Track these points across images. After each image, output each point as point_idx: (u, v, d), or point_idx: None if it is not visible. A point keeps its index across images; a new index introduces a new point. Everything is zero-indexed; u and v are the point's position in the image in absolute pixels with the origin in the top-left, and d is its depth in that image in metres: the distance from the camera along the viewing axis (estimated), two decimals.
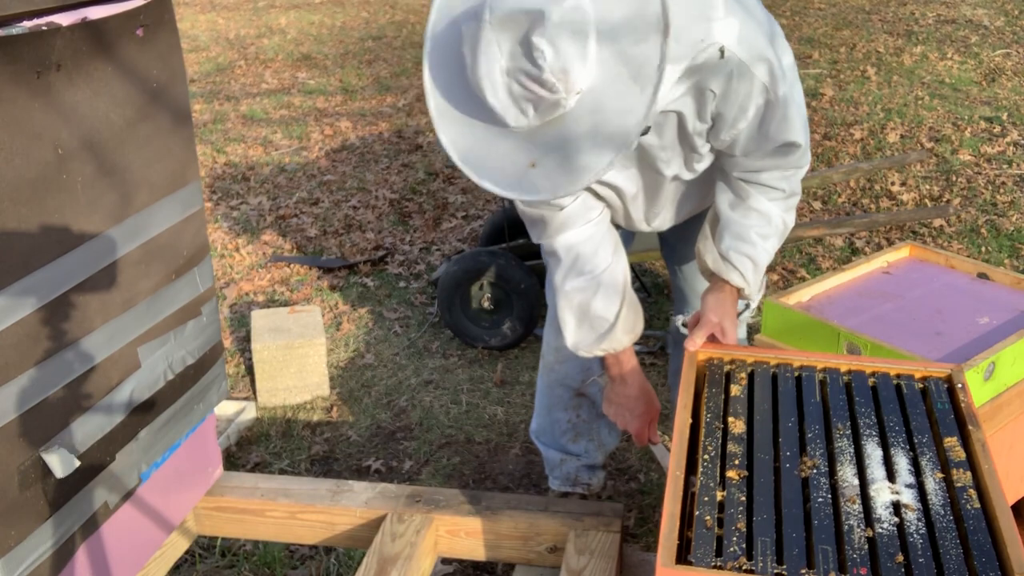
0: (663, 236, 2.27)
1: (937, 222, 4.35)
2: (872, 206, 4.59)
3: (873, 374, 1.62)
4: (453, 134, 1.42)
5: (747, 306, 2.22)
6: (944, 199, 4.67)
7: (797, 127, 1.69)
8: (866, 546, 1.26)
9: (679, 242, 2.22)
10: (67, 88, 1.47)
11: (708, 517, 1.32)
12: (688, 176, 1.82)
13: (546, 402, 2.32)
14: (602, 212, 1.86)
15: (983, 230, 4.32)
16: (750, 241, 1.79)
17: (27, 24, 1.39)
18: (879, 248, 4.10)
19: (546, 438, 2.36)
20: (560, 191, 1.38)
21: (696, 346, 1.71)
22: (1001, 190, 4.77)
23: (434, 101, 1.42)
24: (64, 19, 1.45)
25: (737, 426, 1.51)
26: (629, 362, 1.96)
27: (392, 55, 8.13)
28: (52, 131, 1.45)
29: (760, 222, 1.79)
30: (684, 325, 2.13)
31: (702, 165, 1.81)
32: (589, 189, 1.82)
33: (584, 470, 2.35)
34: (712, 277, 1.86)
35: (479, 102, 1.35)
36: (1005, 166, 5.07)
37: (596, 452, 2.34)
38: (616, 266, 1.85)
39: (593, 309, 1.83)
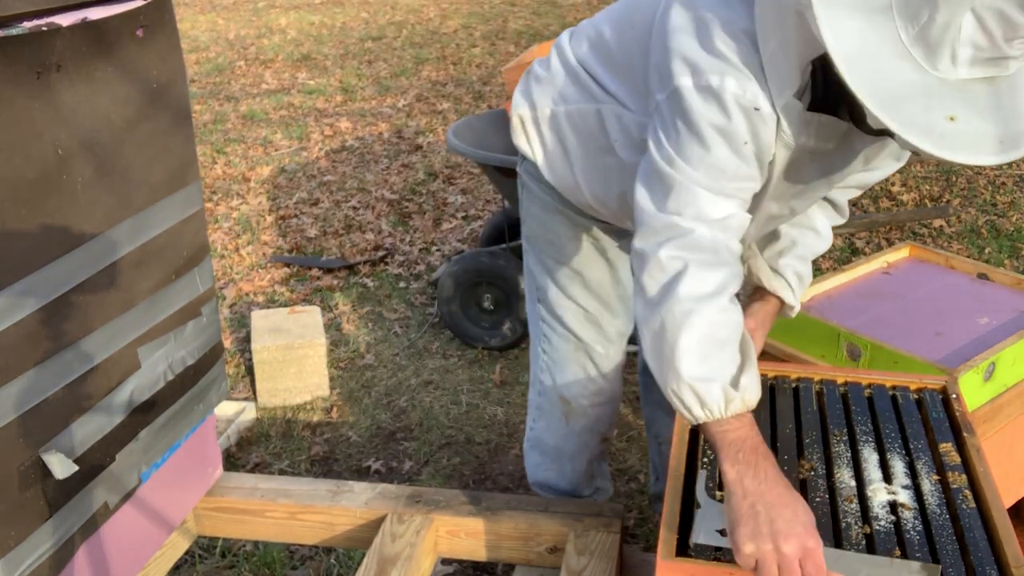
0: None
1: (937, 222, 4.35)
2: (872, 206, 4.59)
3: (869, 386, 1.64)
4: (843, 33, 1.16)
5: None
6: (944, 199, 4.67)
7: None
8: (864, 542, 1.27)
9: None
10: (67, 89, 1.48)
11: None
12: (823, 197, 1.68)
13: (569, 450, 2.04)
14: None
15: (983, 230, 4.32)
16: (805, 260, 1.75)
17: (27, 25, 1.39)
18: (879, 248, 4.10)
19: (556, 487, 2.11)
20: (982, 159, 1.16)
21: None
22: (1001, 190, 4.77)
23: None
24: (64, 20, 1.45)
25: None
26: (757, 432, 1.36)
27: (392, 56, 8.14)
28: (52, 131, 1.45)
29: (816, 242, 1.77)
30: None
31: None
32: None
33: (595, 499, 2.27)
34: (756, 291, 1.77)
35: (895, 21, 1.15)
36: (1005, 166, 5.07)
37: (608, 485, 2.20)
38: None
39: (744, 334, 1.40)
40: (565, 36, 1.80)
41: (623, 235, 1.87)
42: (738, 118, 1.34)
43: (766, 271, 1.75)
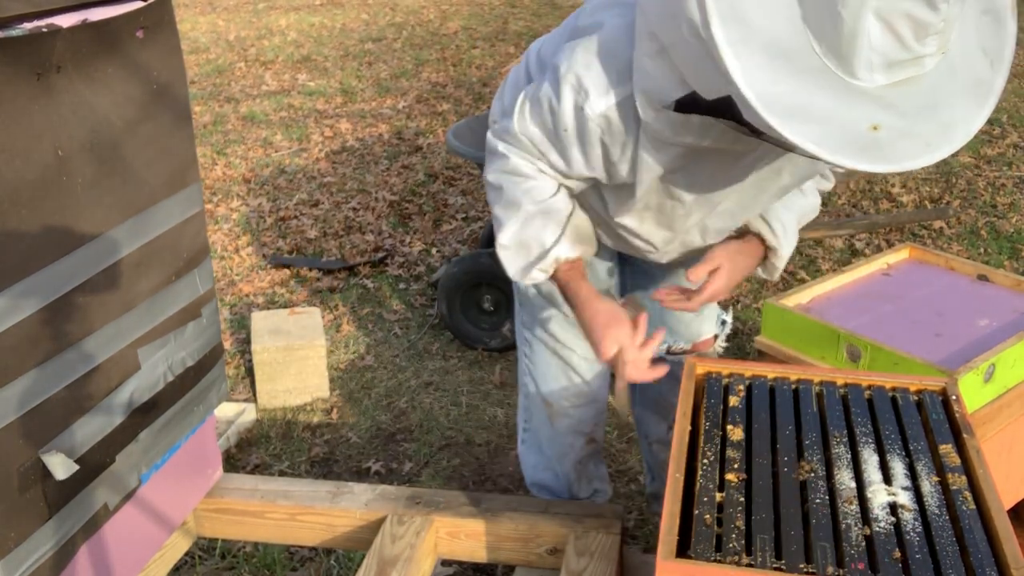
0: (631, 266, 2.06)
1: (937, 224, 4.35)
2: (872, 208, 4.59)
3: (869, 387, 1.64)
4: (754, 75, 1.13)
5: (723, 323, 2.20)
6: (944, 201, 4.67)
7: None
8: (864, 543, 1.27)
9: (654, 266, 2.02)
10: (67, 90, 1.48)
11: (708, 516, 1.33)
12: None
13: (555, 452, 2.08)
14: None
15: (983, 232, 4.32)
16: (789, 209, 1.73)
17: (27, 26, 1.39)
18: (879, 250, 4.10)
19: (553, 488, 2.15)
20: (908, 164, 1.14)
21: (697, 277, 1.65)
22: (1001, 192, 4.77)
23: (723, 29, 1.14)
24: (64, 21, 1.45)
25: (735, 433, 1.52)
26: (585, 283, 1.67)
27: (392, 57, 8.14)
28: (52, 133, 1.45)
29: (800, 198, 1.74)
30: (669, 352, 2.09)
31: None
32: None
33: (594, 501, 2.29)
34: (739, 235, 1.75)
35: (806, 40, 1.13)
36: (1005, 168, 5.07)
37: (606, 487, 2.22)
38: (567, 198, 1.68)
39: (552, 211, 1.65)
40: (536, 43, 1.82)
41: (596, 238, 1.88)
42: (566, 108, 1.49)
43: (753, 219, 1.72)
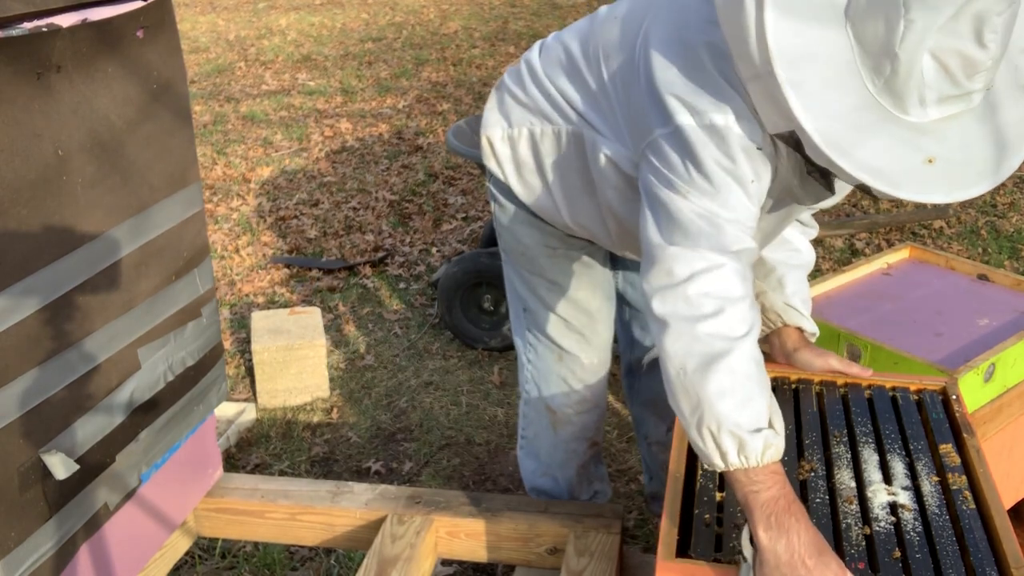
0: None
1: (937, 223, 4.35)
2: (872, 207, 4.59)
3: (869, 387, 1.64)
4: (815, 114, 1.18)
5: None
6: None
7: None
8: (864, 543, 1.27)
9: None
10: (67, 89, 1.48)
11: (707, 515, 1.33)
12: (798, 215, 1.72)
13: (558, 459, 2.05)
14: None
15: (983, 231, 4.32)
16: (804, 281, 1.76)
17: (27, 25, 1.39)
18: (879, 249, 4.10)
19: (553, 494, 2.11)
20: (963, 194, 1.20)
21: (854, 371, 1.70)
22: (1001, 191, 4.77)
23: (785, 70, 1.18)
24: (64, 20, 1.46)
25: None
26: (787, 482, 1.29)
27: (392, 56, 8.14)
28: (52, 132, 1.45)
29: (801, 259, 1.77)
30: None
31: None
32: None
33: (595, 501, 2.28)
34: (781, 329, 1.74)
35: (860, 79, 1.18)
36: None
37: (606, 487, 2.20)
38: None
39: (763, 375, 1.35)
40: (535, 53, 1.76)
41: (593, 243, 1.85)
42: (742, 159, 1.33)
43: (781, 307, 1.72)
